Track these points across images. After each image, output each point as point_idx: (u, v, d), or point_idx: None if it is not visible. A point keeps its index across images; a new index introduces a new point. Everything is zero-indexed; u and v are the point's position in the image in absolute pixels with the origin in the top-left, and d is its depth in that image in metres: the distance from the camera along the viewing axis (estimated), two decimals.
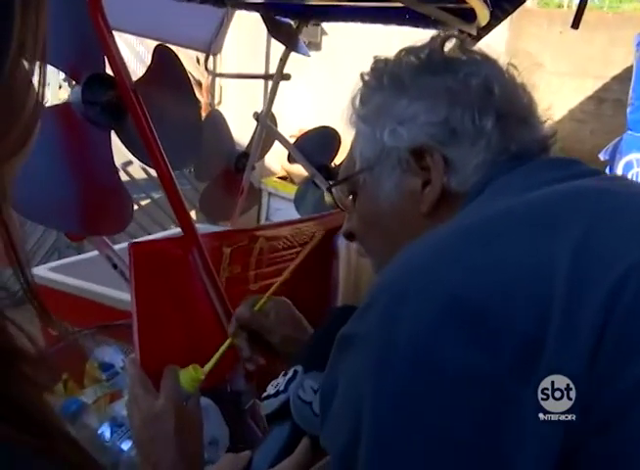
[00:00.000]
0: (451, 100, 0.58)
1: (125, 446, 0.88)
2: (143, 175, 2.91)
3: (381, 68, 0.63)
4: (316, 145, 1.68)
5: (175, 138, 0.95)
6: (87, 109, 0.90)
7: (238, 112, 1.71)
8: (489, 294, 0.42)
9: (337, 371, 0.49)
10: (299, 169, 3.42)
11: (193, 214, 3.17)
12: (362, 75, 0.64)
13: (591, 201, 0.49)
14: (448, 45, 0.63)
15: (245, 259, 1.01)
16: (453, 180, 0.58)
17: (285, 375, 0.68)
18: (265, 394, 0.68)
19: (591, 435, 0.39)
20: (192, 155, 1.03)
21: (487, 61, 0.62)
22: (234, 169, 1.70)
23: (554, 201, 0.50)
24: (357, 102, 0.64)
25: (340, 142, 1.69)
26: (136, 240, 1.06)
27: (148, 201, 3.06)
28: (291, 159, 1.72)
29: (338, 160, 1.69)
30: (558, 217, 0.47)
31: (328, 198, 1.61)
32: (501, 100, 0.59)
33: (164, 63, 1.02)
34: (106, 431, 0.90)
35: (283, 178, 3.46)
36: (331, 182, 0.76)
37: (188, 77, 0.98)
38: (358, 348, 0.45)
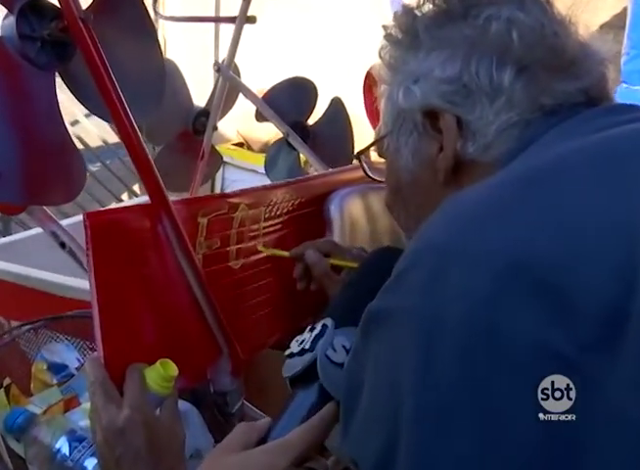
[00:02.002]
0: (468, 51, 0.57)
1: (89, 463, 0.82)
2: (95, 141, 2.84)
3: (399, 18, 0.63)
4: (289, 99, 1.61)
5: (135, 83, 0.86)
6: (24, 45, 0.82)
7: (186, 64, 1.63)
8: (560, 256, 0.39)
9: (365, 357, 0.46)
10: (258, 135, 3.41)
11: (137, 188, 3.13)
12: (383, 28, 0.64)
13: None
14: None
15: (224, 232, 0.94)
16: (470, 146, 0.58)
17: (312, 330, 0.64)
18: (288, 351, 0.64)
19: None
20: (154, 105, 0.94)
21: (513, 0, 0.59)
22: (192, 131, 1.63)
23: (628, 143, 0.47)
24: (379, 59, 0.65)
25: (316, 95, 1.62)
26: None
27: (98, 167, 2.99)
28: (259, 117, 1.64)
29: (315, 116, 1.63)
30: (633, 162, 0.44)
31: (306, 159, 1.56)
32: (524, 47, 0.56)
33: None
34: (63, 447, 0.83)
35: (239, 145, 3.38)
36: (358, 151, 0.77)
37: (146, 8, 0.89)
38: (393, 327, 0.43)
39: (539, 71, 0.57)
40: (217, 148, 1.82)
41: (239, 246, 0.96)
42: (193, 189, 1.62)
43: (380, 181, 0.78)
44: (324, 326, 0.64)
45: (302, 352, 0.63)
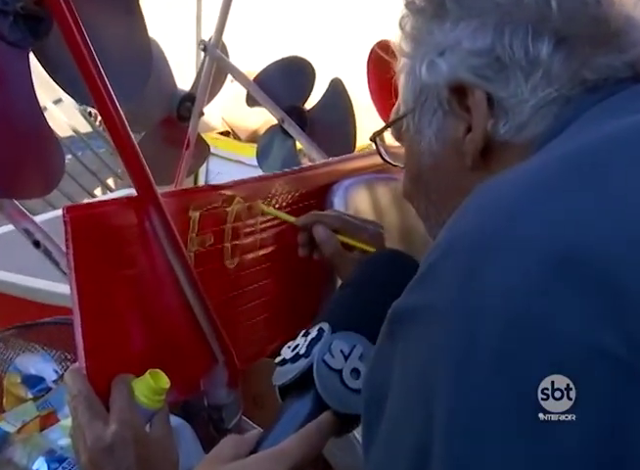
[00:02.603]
0: (501, 20, 0.56)
1: None
2: (65, 130, 2.84)
3: None
4: (283, 82, 1.62)
5: (119, 63, 0.85)
6: None
7: (164, 42, 1.64)
8: (614, 247, 0.38)
9: (390, 362, 0.45)
10: (246, 122, 3.41)
11: (112, 183, 3.13)
12: None
13: None
14: None
15: (218, 227, 0.94)
16: (501, 126, 0.58)
17: (306, 335, 0.65)
18: (279, 358, 0.64)
19: None
20: (140, 88, 0.94)
21: None
22: (176, 117, 1.63)
23: None
24: (399, 30, 0.64)
25: (314, 77, 1.62)
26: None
27: (68, 160, 2.99)
28: (250, 101, 1.64)
29: (313, 100, 1.63)
30: None
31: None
32: (564, 16, 0.56)
33: None
34: (41, 468, 0.83)
35: (224, 134, 3.38)
36: (374, 132, 0.76)
37: None
38: (425, 326, 0.42)
39: (580, 43, 0.56)
40: (203, 136, 1.82)
41: (234, 243, 0.96)
42: (177, 182, 1.63)
43: (398, 166, 0.78)
44: (320, 330, 0.64)
45: (296, 357, 0.63)
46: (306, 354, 0.62)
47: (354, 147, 1.55)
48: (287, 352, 0.64)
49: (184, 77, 1.73)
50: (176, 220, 0.85)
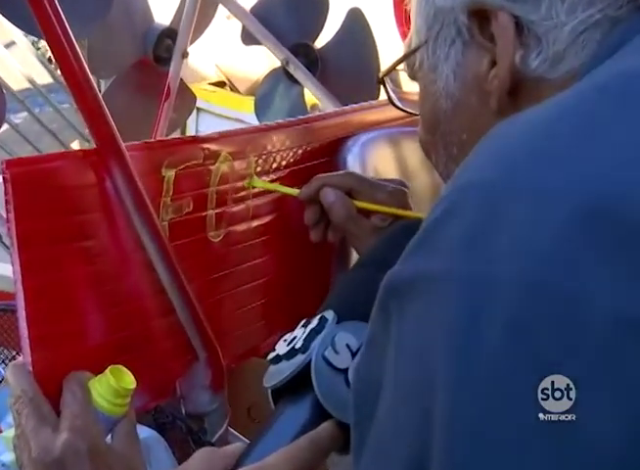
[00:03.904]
0: None
1: None
2: (19, 82, 2.85)
3: None
4: (288, 14, 1.62)
5: None
6: None
7: None
8: None
9: (384, 345, 0.46)
10: (246, 70, 3.42)
11: (76, 145, 3.14)
12: None
13: None
14: None
15: (199, 190, 0.95)
16: (533, 57, 0.58)
17: (305, 325, 0.65)
18: (272, 354, 0.65)
19: None
20: (100, 13, 0.95)
21: None
22: (152, 58, 1.64)
23: None
24: None
25: (327, 7, 1.63)
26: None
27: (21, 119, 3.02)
28: (247, 39, 1.65)
29: (325, 36, 1.63)
30: None
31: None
32: None
33: None
34: None
35: (218, 85, 3.38)
36: (382, 71, 0.77)
37: None
38: (424, 298, 0.43)
39: None
40: (190, 86, 1.83)
41: (219, 210, 0.97)
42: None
43: (412, 114, 0.78)
44: (322, 319, 0.65)
45: (292, 353, 0.64)
46: (304, 349, 0.63)
47: (378, 94, 1.55)
48: (282, 347, 0.65)
49: (164, 9, 1.73)
50: (146, 181, 0.86)
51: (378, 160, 1.13)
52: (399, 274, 0.46)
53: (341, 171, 1.02)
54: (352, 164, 1.10)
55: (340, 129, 1.13)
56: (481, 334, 0.39)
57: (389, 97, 0.79)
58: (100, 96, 0.86)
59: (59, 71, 3.06)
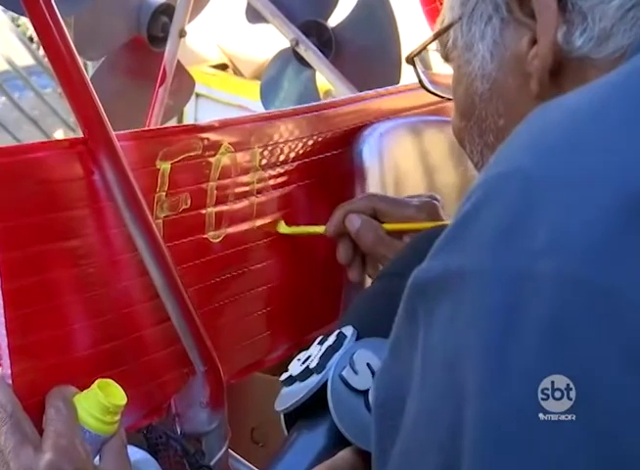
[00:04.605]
0: None
1: None
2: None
3: None
4: None
5: None
6: None
7: None
8: None
9: (409, 352, 0.46)
10: (251, 53, 3.41)
11: (61, 135, 3.16)
12: None
13: None
14: None
15: (198, 185, 0.95)
16: (577, 35, 0.59)
17: (322, 343, 0.66)
18: (285, 375, 0.66)
19: None
20: None
21: None
22: (147, 37, 1.66)
23: None
24: None
25: None
26: None
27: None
28: (252, 16, 1.66)
29: (339, 15, 1.64)
30: None
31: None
32: None
33: None
34: None
35: (220, 68, 3.39)
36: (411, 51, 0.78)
37: None
38: (455, 300, 0.43)
39: None
40: (188, 69, 1.83)
41: (220, 208, 0.97)
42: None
43: (445, 98, 0.79)
44: (340, 336, 0.65)
45: (306, 373, 0.64)
46: (319, 369, 0.64)
47: (398, 79, 1.55)
48: (295, 367, 0.66)
49: None
50: (138, 174, 0.86)
51: (397, 152, 1.13)
52: (427, 272, 0.46)
53: (360, 196, 1.03)
54: (369, 156, 1.10)
55: (355, 118, 1.14)
56: (518, 335, 0.40)
57: (420, 79, 0.80)
58: (88, 79, 0.87)
59: (42, 52, 3.08)
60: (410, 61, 0.79)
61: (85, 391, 0.77)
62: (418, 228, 0.93)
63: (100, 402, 0.76)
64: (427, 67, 0.82)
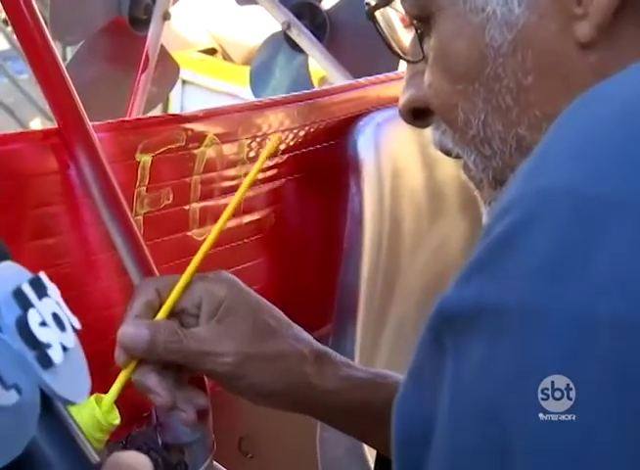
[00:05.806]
0: None
1: None
2: None
3: None
4: None
5: None
6: None
7: None
8: None
9: (435, 385, 0.44)
10: (241, 36, 3.41)
11: (38, 125, 3.15)
12: None
13: None
14: None
15: (180, 179, 0.96)
16: None
17: None
18: None
19: None
20: None
21: None
22: (128, 19, 1.66)
23: None
24: None
25: None
26: None
27: None
28: None
29: None
30: None
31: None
32: None
33: None
34: None
35: (209, 52, 3.39)
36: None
37: None
38: (495, 337, 0.41)
39: None
40: (173, 55, 1.83)
41: (205, 204, 0.98)
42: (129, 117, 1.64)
43: (412, 62, 0.70)
44: None
45: None
46: None
47: (397, 65, 1.55)
48: None
49: None
50: (117, 167, 0.87)
51: (395, 143, 1.14)
52: (457, 301, 0.43)
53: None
54: (365, 148, 1.10)
55: (351, 106, 1.14)
56: (580, 373, 0.38)
57: (385, 38, 0.68)
58: (63, 65, 0.86)
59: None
60: (371, 16, 0.67)
61: (80, 403, 0.76)
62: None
63: (95, 418, 0.75)
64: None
